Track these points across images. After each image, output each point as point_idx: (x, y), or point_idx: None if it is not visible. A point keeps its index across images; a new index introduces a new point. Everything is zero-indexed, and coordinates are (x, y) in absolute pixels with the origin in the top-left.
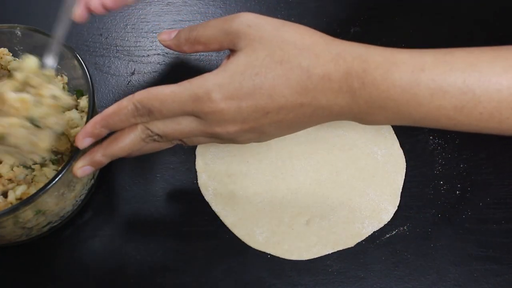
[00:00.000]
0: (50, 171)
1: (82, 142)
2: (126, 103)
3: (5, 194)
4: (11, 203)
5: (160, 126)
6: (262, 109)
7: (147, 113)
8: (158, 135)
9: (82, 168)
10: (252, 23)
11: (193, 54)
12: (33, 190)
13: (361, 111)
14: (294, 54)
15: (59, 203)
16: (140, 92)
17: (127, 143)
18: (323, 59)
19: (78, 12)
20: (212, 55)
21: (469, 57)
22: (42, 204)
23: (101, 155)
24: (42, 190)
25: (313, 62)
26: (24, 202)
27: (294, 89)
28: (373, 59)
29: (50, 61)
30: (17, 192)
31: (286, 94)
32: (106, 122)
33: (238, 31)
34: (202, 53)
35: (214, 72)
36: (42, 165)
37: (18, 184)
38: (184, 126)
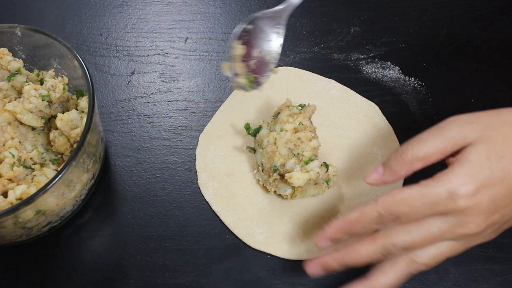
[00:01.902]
0: (50, 171)
1: (322, 243)
2: (369, 210)
3: (5, 194)
4: (11, 203)
5: (404, 238)
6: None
7: (393, 219)
8: (403, 248)
9: (314, 268)
10: (472, 119)
11: (192, 54)
12: (33, 190)
13: None
14: None
15: (59, 203)
16: (384, 198)
17: (363, 255)
18: None
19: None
20: (212, 55)
21: None
22: (42, 204)
23: (335, 263)
24: (42, 190)
25: None
26: (24, 202)
27: None
28: None
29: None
30: (17, 192)
31: None
32: (349, 229)
33: (463, 130)
34: (202, 53)
35: (456, 165)
36: (42, 165)
37: (18, 184)
38: (433, 230)
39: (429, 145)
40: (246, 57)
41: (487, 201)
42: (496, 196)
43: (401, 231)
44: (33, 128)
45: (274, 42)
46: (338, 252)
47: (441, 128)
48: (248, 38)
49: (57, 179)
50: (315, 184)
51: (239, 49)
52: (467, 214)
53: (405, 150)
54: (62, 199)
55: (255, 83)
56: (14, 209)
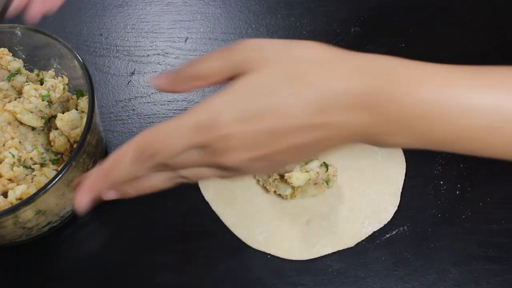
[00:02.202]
0: (50, 171)
1: (81, 205)
2: (125, 150)
3: (5, 194)
4: (11, 203)
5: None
6: (276, 131)
7: (152, 157)
8: (165, 165)
9: (80, 202)
10: (257, 47)
11: (192, 54)
12: (33, 190)
13: (380, 131)
14: (307, 70)
15: (59, 203)
16: (138, 135)
17: (125, 171)
18: (339, 74)
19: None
20: None
21: (502, 74)
22: (42, 204)
23: (102, 182)
24: (42, 190)
25: (328, 78)
26: (24, 202)
27: (309, 108)
28: (397, 73)
29: None
30: (17, 192)
31: (300, 114)
32: (107, 179)
33: (244, 57)
34: (202, 53)
35: (220, 93)
36: (42, 165)
37: (18, 184)
38: (191, 158)
39: (211, 65)
40: None
41: (246, 137)
42: (256, 133)
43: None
44: (33, 128)
45: None
46: (99, 172)
47: (229, 50)
48: None
49: (57, 179)
50: (315, 184)
51: None
52: (223, 147)
53: (192, 65)
54: (62, 199)
55: None
56: (14, 209)
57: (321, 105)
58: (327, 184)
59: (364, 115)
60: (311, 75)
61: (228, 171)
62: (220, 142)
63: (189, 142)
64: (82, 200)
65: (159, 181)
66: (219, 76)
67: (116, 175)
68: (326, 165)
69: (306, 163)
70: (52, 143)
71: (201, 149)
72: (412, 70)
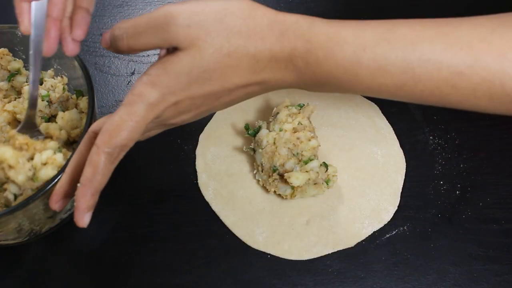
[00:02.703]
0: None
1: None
2: (96, 158)
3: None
4: (35, 168)
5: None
6: (213, 95)
7: (123, 150)
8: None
9: (59, 203)
10: (191, 22)
11: None
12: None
13: (307, 85)
14: (241, 44)
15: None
16: (100, 138)
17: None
18: (268, 42)
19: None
20: None
21: (410, 34)
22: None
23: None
24: (42, 190)
25: (259, 46)
26: (23, 202)
27: (244, 74)
28: (316, 38)
29: None
30: (43, 157)
31: (237, 80)
32: (92, 186)
33: (177, 35)
34: None
35: (152, 75)
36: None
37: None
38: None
39: (142, 42)
40: None
41: (186, 106)
42: (195, 101)
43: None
44: None
45: None
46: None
47: (160, 23)
48: None
49: (56, 179)
50: (315, 184)
51: None
52: (171, 115)
53: (121, 39)
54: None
55: None
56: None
57: (255, 70)
58: (327, 184)
59: (291, 75)
60: (245, 48)
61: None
62: (169, 113)
63: (146, 124)
64: (84, 220)
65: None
66: (153, 47)
67: (100, 181)
68: (325, 165)
69: (306, 163)
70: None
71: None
72: (329, 36)
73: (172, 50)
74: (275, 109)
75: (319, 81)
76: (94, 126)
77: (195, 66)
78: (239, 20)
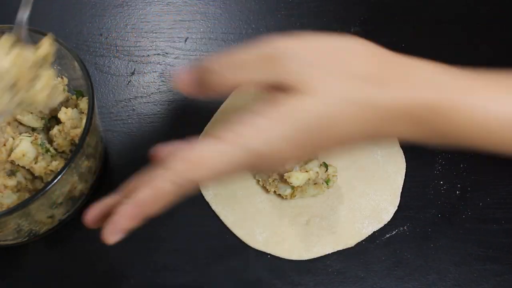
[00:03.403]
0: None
1: (113, 239)
2: (162, 184)
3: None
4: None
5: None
6: (325, 147)
7: (192, 182)
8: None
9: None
10: (313, 60)
11: (192, 54)
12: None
13: (424, 138)
14: (369, 92)
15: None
16: (175, 164)
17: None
18: (393, 89)
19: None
20: (212, 55)
21: None
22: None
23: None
24: (41, 191)
25: (382, 94)
26: (23, 203)
27: (362, 128)
28: (445, 88)
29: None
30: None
31: (354, 135)
32: (146, 211)
33: (287, 73)
34: (202, 53)
35: (260, 116)
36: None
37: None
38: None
39: (244, 76)
40: None
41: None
42: (307, 150)
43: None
44: (33, 129)
45: None
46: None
47: (270, 59)
48: None
49: (56, 180)
50: (315, 184)
51: None
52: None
53: (216, 72)
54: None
55: None
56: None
57: (374, 123)
58: (327, 184)
59: (410, 127)
60: (367, 95)
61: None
62: (270, 162)
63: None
64: (114, 238)
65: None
66: (252, 86)
67: (154, 209)
68: (325, 165)
69: (306, 163)
70: (53, 139)
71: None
72: (460, 87)
73: (271, 89)
74: None
75: (442, 135)
76: (165, 149)
77: (315, 113)
78: (365, 64)
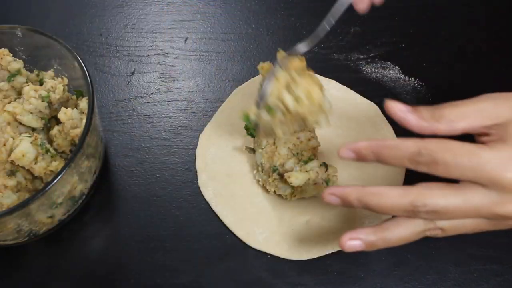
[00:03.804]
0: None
1: (344, 152)
2: (410, 143)
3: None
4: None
5: (439, 201)
6: None
7: (429, 163)
8: (433, 212)
9: (330, 196)
10: (508, 96)
11: (192, 54)
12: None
13: None
14: None
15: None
16: (431, 139)
17: (388, 202)
18: None
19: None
20: (212, 55)
21: None
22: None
23: (354, 197)
24: (40, 192)
25: None
26: (22, 203)
27: None
28: None
29: (303, 47)
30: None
31: None
32: (378, 150)
33: (497, 105)
34: (202, 53)
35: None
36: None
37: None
38: (472, 202)
39: (460, 110)
40: None
41: None
42: None
43: (438, 193)
44: (33, 129)
45: None
46: (363, 188)
47: (474, 100)
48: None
49: (56, 180)
50: (315, 184)
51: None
52: (509, 193)
53: (439, 108)
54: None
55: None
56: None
57: None
58: (327, 184)
59: None
60: None
61: (496, 221)
62: (506, 189)
63: (476, 172)
64: (346, 151)
65: (408, 232)
66: (468, 125)
67: (388, 154)
68: (325, 165)
69: (306, 163)
70: (53, 139)
71: (484, 190)
72: None
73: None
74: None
75: None
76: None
77: None
78: None
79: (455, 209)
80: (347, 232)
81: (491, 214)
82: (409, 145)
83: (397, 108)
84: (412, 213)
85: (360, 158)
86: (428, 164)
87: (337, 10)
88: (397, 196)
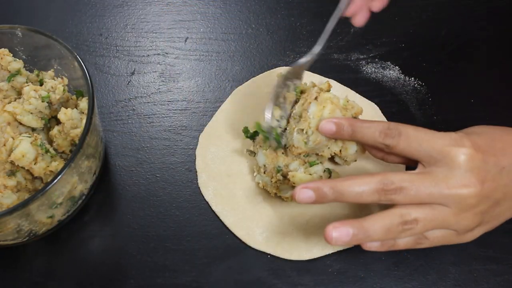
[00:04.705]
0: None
1: (325, 125)
2: (382, 122)
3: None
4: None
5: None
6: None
7: (395, 135)
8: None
9: (302, 190)
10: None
11: (192, 54)
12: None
13: None
14: None
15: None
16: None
17: (361, 188)
18: None
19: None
20: (212, 55)
21: None
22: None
23: (328, 187)
24: (40, 192)
25: None
26: (22, 203)
27: None
28: None
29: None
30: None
31: None
32: (354, 124)
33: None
34: (202, 53)
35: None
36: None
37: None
38: (429, 174)
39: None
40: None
41: (485, 199)
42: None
43: (401, 172)
44: (33, 129)
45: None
46: (334, 179)
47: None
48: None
49: (56, 180)
50: None
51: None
52: (457, 169)
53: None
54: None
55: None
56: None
57: None
58: None
59: None
60: None
61: (459, 230)
62: (467, 199)
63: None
64: (326, 123)
65: (387, 222)
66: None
67: (362, 126)
68: (329, 171)
69: (311, 165)
70: (53, 139)
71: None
72: None
73: None
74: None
75: None
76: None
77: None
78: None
79: (419, 185)
80: (333, 223)
81: (449, 223)
82: (381, 122)
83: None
84: (383, 192)
85: (338, 130)
86: (393, 136)
87: (330, 26)
88: (367, 179)
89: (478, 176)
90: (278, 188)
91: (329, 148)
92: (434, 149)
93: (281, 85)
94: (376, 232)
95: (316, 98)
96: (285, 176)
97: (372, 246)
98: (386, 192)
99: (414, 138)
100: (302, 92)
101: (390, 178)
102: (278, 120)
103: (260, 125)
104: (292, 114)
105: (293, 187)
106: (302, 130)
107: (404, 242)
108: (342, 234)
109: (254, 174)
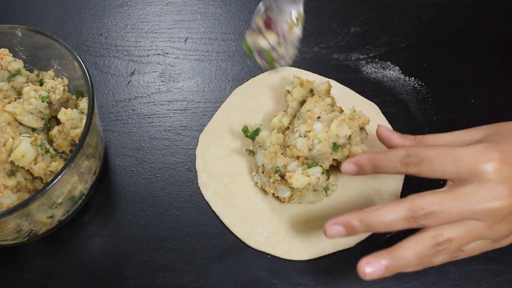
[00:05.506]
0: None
1: (346, 166)
2: (400, 149)
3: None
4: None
5: (433, 200)
6: None
7: (416, 162)
8: (429, 213)
9: (332, 226)
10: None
11: (192, 54)
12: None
13: None
14: None
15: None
16: (416, 146)
17: (390, 217)
18: None
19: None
20: (212, 55)
21: None
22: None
23: (357, 220)
24: (40, 192)
25: None
26: (23, 203)
27: None
28: None
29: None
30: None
31: None
32: (376, 158)
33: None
34: (202, 53)
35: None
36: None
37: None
38: (459, 192)
39: (438, 137)
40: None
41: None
42: None
43: (429, 195)
44: (33, 129)
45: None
46: (362, 211)
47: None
48: (269, 17)
49: (56, 180)
50: (314, 190)
51: (261, 23)
52: (488, 183)
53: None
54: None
55: (277, 61)
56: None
57: None
58: (326, 192)
59: None
60: None
61: (495, 239)
62: (499, 211)
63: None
64: (347, 165)
65: (419, 247)
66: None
67: (381, 159)
68: (328, 174)
69: (309, 167)
70: (53, 139)
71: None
72: None
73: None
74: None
75: None
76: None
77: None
78: None
79: (449, 206)
80: (364, 257)
81: (484, 236)
82: (399, 150)
83: (383, 128)
84: (413, 219)
85: (359, 169)
86: (416, 164)
87: None
88: (395, 207)
89: (509, 186)
90: (275, 188)
91: (328, 159)
92: (461, 169)
93: (273, 7)
94: (409, 260)
95: (319, 118)
96: (283, 177)
97: (407, 269)
98: (416, 219)
99: (437, 161)
100: (311, 90)
101: (419, 203)
102: (274, 48)
103: (247, 130)
104: (297, 115)
105: (290, 187)
106: (308, 132)
107: (439, 260)
108: (375, 269)
109: (253, 174)
